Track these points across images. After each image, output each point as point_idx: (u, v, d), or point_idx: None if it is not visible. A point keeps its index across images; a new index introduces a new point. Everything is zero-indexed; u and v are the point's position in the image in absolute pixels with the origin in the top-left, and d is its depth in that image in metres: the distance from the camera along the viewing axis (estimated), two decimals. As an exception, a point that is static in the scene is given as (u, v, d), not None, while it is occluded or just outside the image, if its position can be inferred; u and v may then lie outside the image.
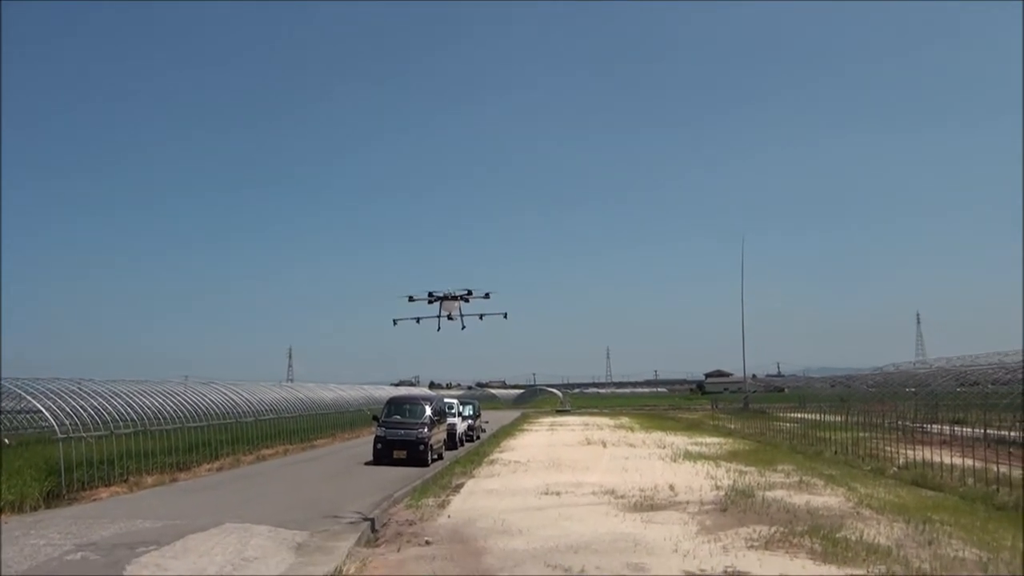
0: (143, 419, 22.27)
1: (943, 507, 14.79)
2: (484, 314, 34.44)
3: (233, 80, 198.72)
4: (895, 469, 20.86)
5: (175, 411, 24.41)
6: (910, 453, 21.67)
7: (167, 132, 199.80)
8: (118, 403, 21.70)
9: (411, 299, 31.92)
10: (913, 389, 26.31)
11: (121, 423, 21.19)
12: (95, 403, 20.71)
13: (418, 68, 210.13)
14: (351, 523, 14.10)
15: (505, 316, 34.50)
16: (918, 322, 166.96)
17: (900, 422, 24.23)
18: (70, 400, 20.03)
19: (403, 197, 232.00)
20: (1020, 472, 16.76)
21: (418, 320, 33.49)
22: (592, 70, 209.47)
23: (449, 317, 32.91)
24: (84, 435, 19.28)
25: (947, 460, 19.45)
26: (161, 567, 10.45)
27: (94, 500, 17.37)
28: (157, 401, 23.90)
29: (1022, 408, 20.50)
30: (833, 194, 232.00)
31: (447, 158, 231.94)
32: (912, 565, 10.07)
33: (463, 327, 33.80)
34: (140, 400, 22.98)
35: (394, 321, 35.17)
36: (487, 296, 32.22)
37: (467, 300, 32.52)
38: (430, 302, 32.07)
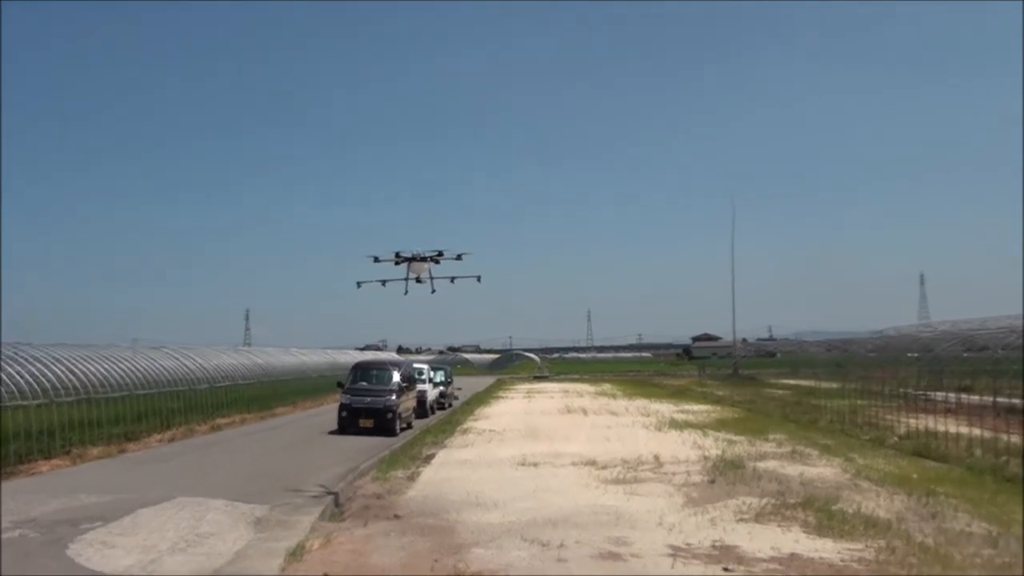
0: (87, 387, 22.01)
1: (948, 479, 15.05)
2: (456, 277, 34.17)
3: (193, 27, 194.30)
4: (896, 439, 21.18)
5: (122, 378, 24.15)
6: (912, 422, 21.97)
7: (113, 84, 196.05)
8: (59, 369, 21.40)
9: (376, 260, 31.45)
10: (916, 354, 26.55)
11: (63, 391, 20.92)
12: (33, 369, 20.40)
13: (389, 16, 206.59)
14: (314, 496, 14.10)
15: (479, 279, 34.19)
16: (922, 283, 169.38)
17: (901, 389, 24.48)
18: (5, 367, 19.70)
19: (369, 151, 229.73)
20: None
21: (384, 283, 33.08)
22: (576, 17, 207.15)
23: (418, 280, 32.55)
24: (22, 403, 19.03)
25: (952, 430, 19.73)
26: (108, 544, 10.39)
27: (33, 474, 17.20)
28: (102, 367, 23.61)
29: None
30: (829, 150, 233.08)
31: (417, 110, 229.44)
32: (914, 540, 10.23)
33: (433, 291, 33.51)
34: (84, 366, 22.69)
35: (358, 284, 34.78)
36: (459, 258, 31.86)
37: (438, 262, 32.16)
38: (397, 263, 31.63)
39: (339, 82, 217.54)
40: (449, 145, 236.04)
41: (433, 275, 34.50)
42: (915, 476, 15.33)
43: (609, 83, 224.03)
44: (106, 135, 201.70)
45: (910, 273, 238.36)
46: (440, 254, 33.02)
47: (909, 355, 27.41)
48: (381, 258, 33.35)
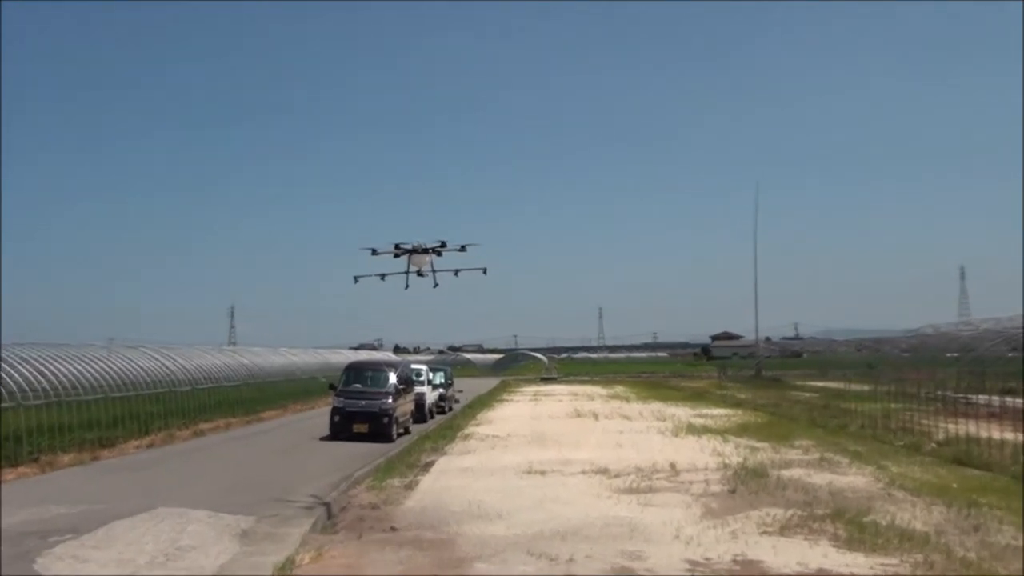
0: (58, 388, 22.00)
1: (991, 489, 14.93)
2: (460, 269, 34.17)
3: (173, 12, 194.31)
4: (933, 445, 21.09)
5: (96, 379, 24.16)
6: (951, 427, 21.86)
7: (88, 73, 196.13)
8: (26, 370, 21.38)
9: (374, 252, 31.40)
10: (955, 354, 26.44)
11: (31, 393, 20.90)
12: (-2, 370, 20.42)
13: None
14: (305, 507, 14.07)
15: (485, 272, 34.21)
16: (962, 277, 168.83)
17: (939, 392, 24.41)
18: (-31, 367, 19.73)
19: (366, 138, 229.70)
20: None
21: (383, 277, 33.09)
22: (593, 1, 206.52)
23: (419, 273, 32.54)
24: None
25: (996, 435, 19.64)
26: (79, 558, 10.36)
27: (-1, 483, 17.19)
28: (75, 367, 23.62)
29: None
30: (859, 137, 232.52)
31: (417, 94, 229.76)
32: (955, 554, 10.15)
33: (435, 284, 33.46)
34: (55, 366, 22.69)
35: (355, 278, 34.71)
36: (463, 249, 31.80)
37: (440, 254, 32.14)
38: (396, 255, 31.61)
39: (330, 65, 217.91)
40: (451, 132, 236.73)
41: (435, 268, 34.58)
42: (955, 485, 15.24)
43: (625, 69, 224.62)
44: (79, 124, 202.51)
45: (949, 267, 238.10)
46: (443, 245, 32.97)
47: (948, 355, 27.32)
48: (380, 250, 33.38)
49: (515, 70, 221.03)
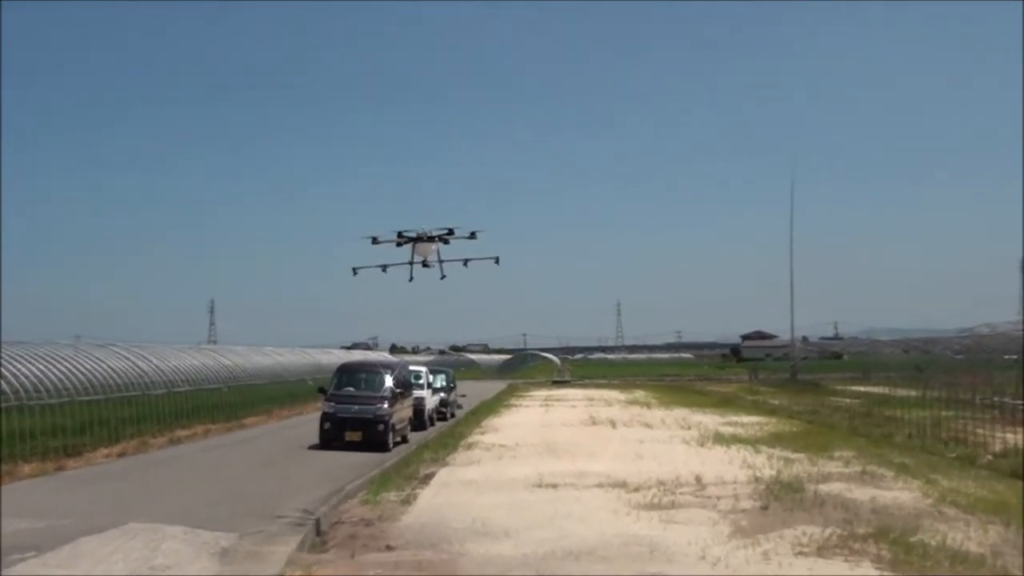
0: (18, 391, 22.09)
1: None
2: (470, 259, 34.20)
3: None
4: (989, 457, 21.04)
5: (61, 381, 24.22)
6: (1010, 437, 21.80)
7: (50, 50, 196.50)
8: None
9: (375, 241, 31.56)
10: (1014, 356, 26.32)
11: (-12, 396, 21.02)
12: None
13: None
14: (292, 523, 14.08)
15: (497, 261, 34.32)
16: (1022, 271, 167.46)
17: (996, 398, 24.34)
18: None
19: (360, 116, 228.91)
20: None
21: (384, 268, 33.24)
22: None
23: (424, 264, 32.68)
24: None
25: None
26: (43, 579, 10.40)
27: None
28: (38, 368, 23.69)
29: None
30: (906, 118, 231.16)
31: (425, 65, 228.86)
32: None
33: (443, 276, 33.56)
34: (14, 367, 22.76)
35: (354, 270, 34.83)
36: (473, 236, 31.90)
37: (447, 242, 32.22)
38: (399, 244, 31.74)
39: (335, 27, 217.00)
40: (455, 109, 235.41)
41: (443, 258, 34.55)
42: (1014, 502, 15.19)
43: (649, 42, 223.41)
44: (42, 101, 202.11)
45: (1008, 260, 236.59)
46: (450, 232, 32.93)
47: (1006, 357, 27.18)
48: (381, 239, 33.36)
49: (529, 40, 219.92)
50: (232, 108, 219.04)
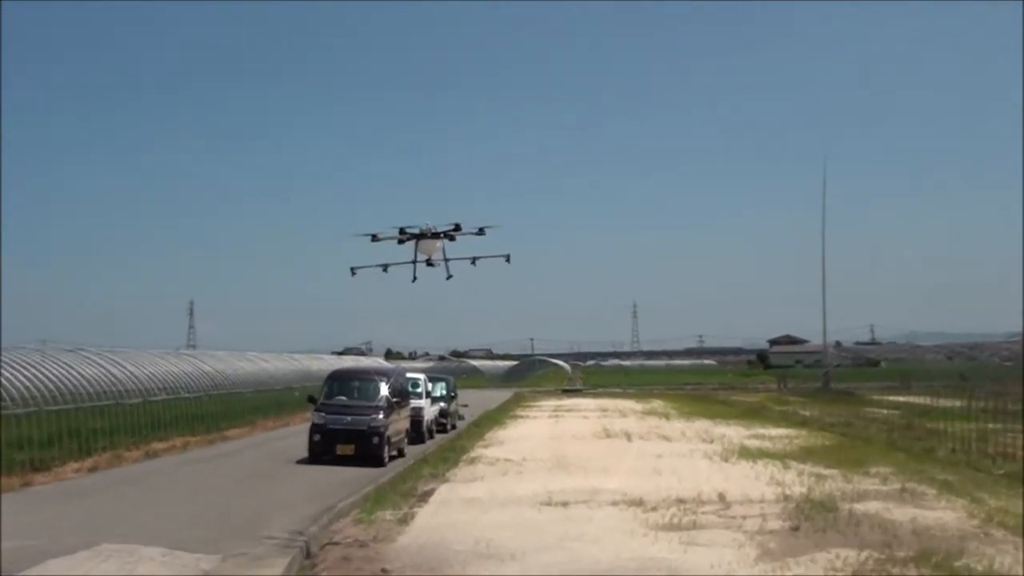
0: (-18, 400, 22.14)
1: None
2: (478, 257, 34.00)
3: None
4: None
5: (27, 389, 24.27)
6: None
7: (25, 35, 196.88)
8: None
9: (375, 238, 31.33)
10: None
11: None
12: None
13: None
14: (279, 544, 14.10)
15: (508, 259, 34.08)
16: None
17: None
18: None
19: (361, 105, 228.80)
20: None
21: (385, 268, 33.04)
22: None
23: (429, 263, 32.47)
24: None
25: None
26: (9, 604, 10.44)
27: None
28: (1, 376, 23.74)
29: None
30: (949, 110, 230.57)
31: (430, 55, 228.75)
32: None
33: (449, 276, 33.31)
34: (-24, 374, 22.84)
35: (352, 270, 34.56)
36: (481, 232, 31.67)
37: (453, 238, 31.99)
38: (401, 241, 31.56)
39: (335, 14, 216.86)
40: (458, 100, 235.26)
41: (448, 256, 34.41)
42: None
43: (671, 36, 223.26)
44: (15, 100, 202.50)
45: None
46: (457, 228, 32.76)
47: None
48: (381, 236, 33.24)
49: (547, 34, 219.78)
50: (217, 97, 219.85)
